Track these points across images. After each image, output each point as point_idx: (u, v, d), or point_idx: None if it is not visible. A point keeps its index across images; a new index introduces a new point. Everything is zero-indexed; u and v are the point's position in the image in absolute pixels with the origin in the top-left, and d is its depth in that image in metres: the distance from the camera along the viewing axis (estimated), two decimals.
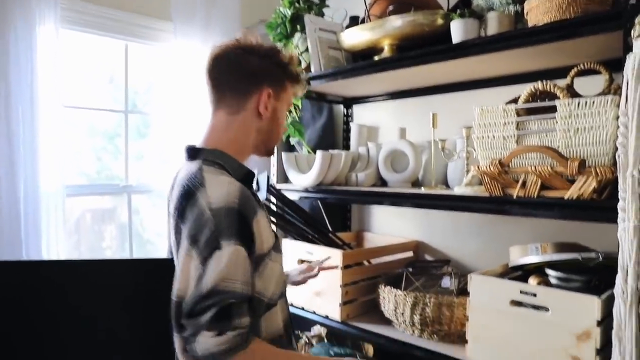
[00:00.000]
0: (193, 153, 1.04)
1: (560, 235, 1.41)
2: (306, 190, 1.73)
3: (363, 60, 1.69)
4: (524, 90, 1.16)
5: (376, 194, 1.56)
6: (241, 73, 1.04)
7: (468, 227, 1.72)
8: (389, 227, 2.02)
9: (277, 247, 1.03)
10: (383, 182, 1.77)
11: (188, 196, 0.94)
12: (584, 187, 1.01)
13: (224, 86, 1.04)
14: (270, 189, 1.59)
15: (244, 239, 0.90)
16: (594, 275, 1.20)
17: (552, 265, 1.24)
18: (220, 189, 0.92)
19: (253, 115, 1.04)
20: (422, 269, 1.64)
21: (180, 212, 0.94)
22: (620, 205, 0.94)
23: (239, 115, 1.04)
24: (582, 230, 1.38)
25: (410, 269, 1.61)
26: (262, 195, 1.53)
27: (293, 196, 1.77)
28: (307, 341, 1.81)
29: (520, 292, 1.13)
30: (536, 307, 1.13)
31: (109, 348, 1.04)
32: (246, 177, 1.06)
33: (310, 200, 2.08)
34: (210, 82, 1.05)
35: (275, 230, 1.07)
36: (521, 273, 1.35)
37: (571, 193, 1.03)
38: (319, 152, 1.65)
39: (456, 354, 1.30)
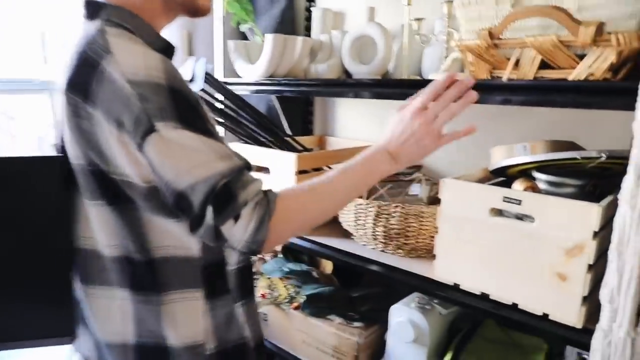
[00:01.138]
0: (93, 9, 0.75)
1: (553, 135, 1.19)
2: (256, 84, 1.45)
3: None
4: None
5: (337, 83, 1.30)
6: None
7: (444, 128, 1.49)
8: (356, 130, 1.78)
9: None
10: (348, 76, 1.50)
11: (88, 66, 0.68)
12: (597, 62, 0.77)
13: None
14: (209, 79, 1.31)
15: (188, 120, 0.69)
16: (590, 179, 1.00)
17: (542, 168, 1.03)
18: (134, 58, 0.68)
19: None
20: (389, 175, 1.43)
21: (82, 88, 0.69)
22: None
23: None
24: (581, 128, 1.17)
25: None
26: (197, 85, 1.25)
27: (242, 92, 1.49)
28: (261, 256, 1.63)
29: (504, 199, 0.93)
30: (520, 217, 0.93)
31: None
32: (166, 52, 0.78)
33: (266, 101, 1.81)
34: None
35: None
36: (504, 179, 1.15)
37: (579, 72, 0.79)
38: (268, 36, 1.35)
39: (423, 271, 1.12)
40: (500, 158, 1.08)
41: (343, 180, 0.81)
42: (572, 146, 1.03)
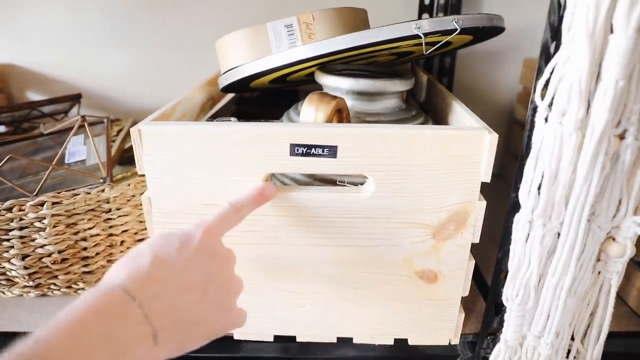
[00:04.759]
0: None
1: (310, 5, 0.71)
2: None
3: None
4: None
5: None
6: None
7: (113, 21, 0.82)
8: None
9: None
10: None
11: None
12: None
13: None
14: None
15: None
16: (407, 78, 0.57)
17: (332, 69, 0.54)
18: None
19: None
20: (19, 122, 0.71)
21: None
22: None
23: None
24: None
25: None
26: None
27: None
28: None
29: (294, 150, 0.40)
30: (342, 181, 0.44)
31: None
32: None
33: None
34: None
35: None
36: (238, 96, 0.62)
37: None
38: None
39: None
40: (241, 58, 0.53)
41: None
42: (364, 17, 0.56)
